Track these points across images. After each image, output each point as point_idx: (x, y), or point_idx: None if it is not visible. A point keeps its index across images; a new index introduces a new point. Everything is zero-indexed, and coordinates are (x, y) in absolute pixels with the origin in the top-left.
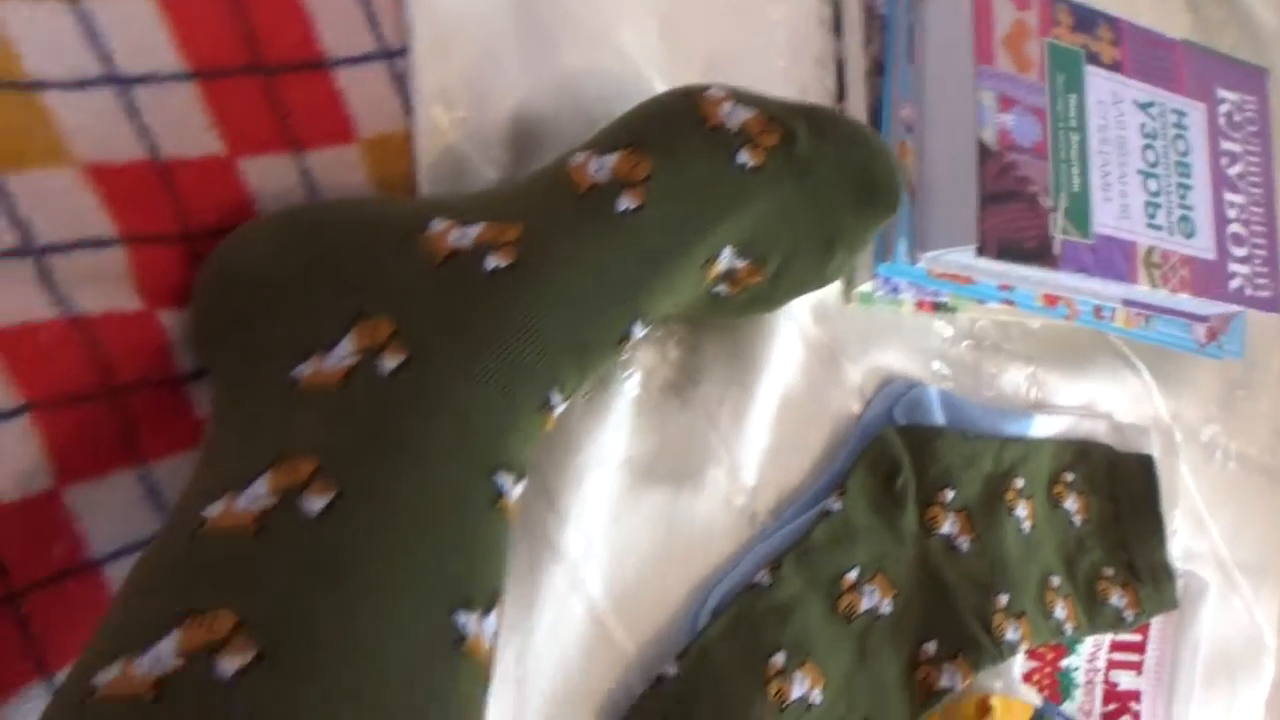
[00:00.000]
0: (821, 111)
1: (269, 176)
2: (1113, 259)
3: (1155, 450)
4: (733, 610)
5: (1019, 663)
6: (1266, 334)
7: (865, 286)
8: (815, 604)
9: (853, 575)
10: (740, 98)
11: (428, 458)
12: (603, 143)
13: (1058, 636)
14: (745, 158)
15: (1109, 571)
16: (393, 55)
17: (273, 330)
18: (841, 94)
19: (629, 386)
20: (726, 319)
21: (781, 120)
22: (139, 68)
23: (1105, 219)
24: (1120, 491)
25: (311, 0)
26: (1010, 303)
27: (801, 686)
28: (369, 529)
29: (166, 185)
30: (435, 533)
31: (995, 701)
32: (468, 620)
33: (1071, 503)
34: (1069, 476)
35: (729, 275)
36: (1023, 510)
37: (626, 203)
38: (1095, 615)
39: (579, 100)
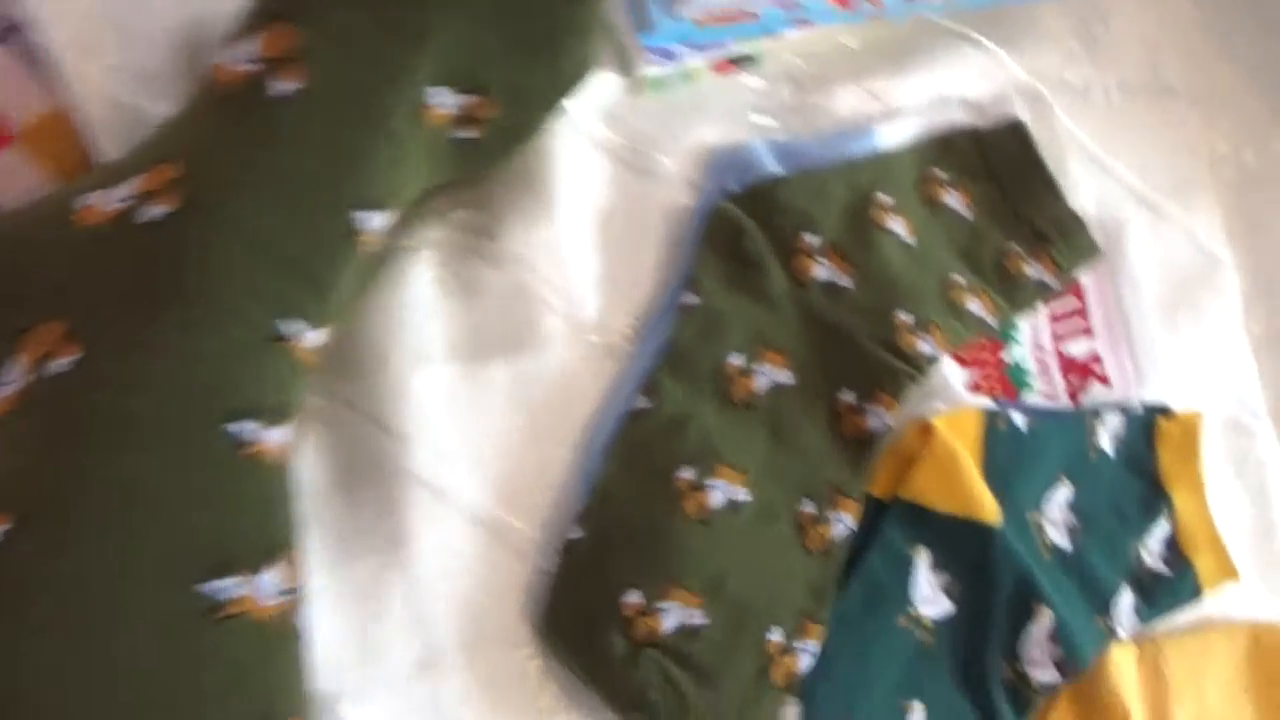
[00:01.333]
0: None
1: None
2: None
3: (1025, 114)
4: (620, 444)
5: (958, 376)
6: None
7: (648, 71)
8: (706, 405)
9: (736, 361)
10: None
11: (133, 445)
12: (244, 27)
13: (982, 331)
14: None
15: (1014, 248)
16: (11, 29)
17: None
18: None
19: (422, 269)
20: (489, 166)
21: None
22: None
23: None
24: (998, 166)
25: None
26: (805, 22)
27: (722, 492)
28: (67, 541)
29: None
30: (162, 509)
31: (937, 421)
32: (227, 584)
33: (952, 198)
34: (939, 173)
35: (463, 118)
36: (898, 225)
37: (284, 86)
38: (1015, 295)
39: None
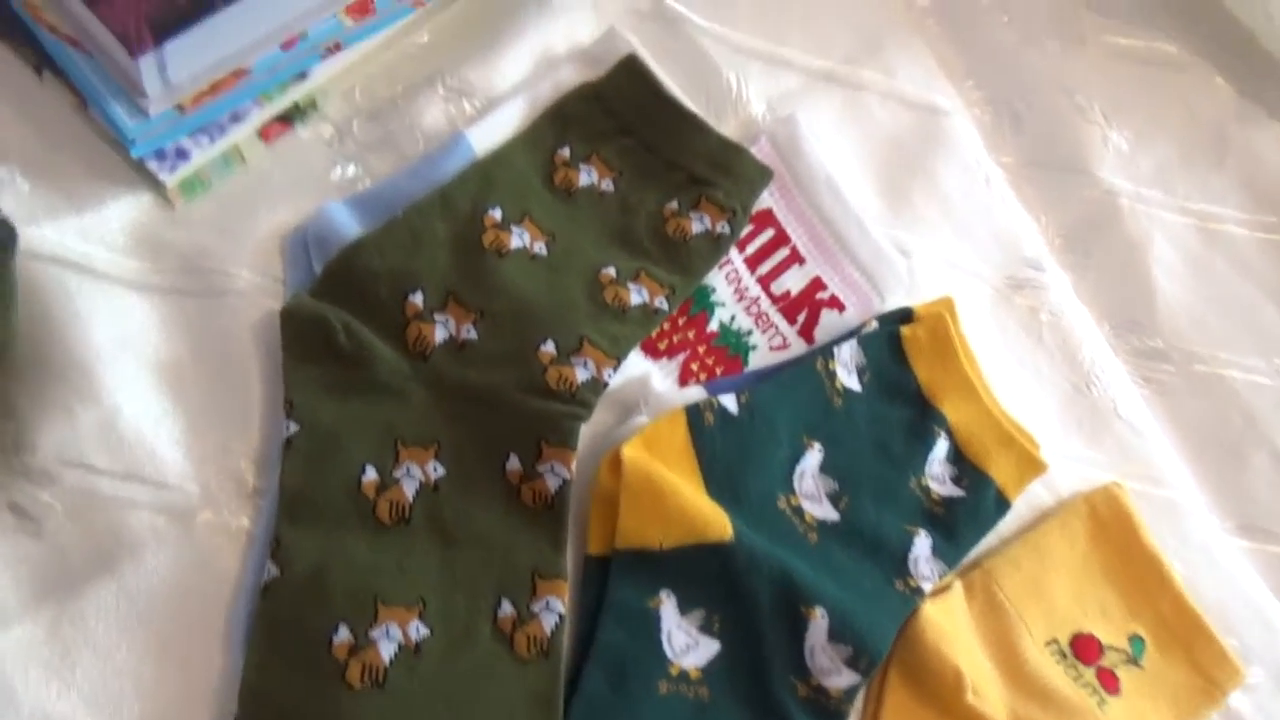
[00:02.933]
0: None
1: None
2: None
3: (654, 38)
4: (259, 628)
5: (657, 373)
6: None
7: (170, 178)
8: (350, 542)
9: (370, 476)
10: None
11: None
12: None
13: (649, 320)
14: None
15: (672, 206)
16: None
17: None
18: None
19: None
20: None
21: None
22: None
23: None
24: (626, 117)
25: None
26: (336, 46)
27: (391, 640)
28: None
29: None
30: None
31: (625, 450)
32: None
33: (587, 175)
34: (564, 153)
35: None
36: (518, 239)
37: None
38: (685, 259)
39: None
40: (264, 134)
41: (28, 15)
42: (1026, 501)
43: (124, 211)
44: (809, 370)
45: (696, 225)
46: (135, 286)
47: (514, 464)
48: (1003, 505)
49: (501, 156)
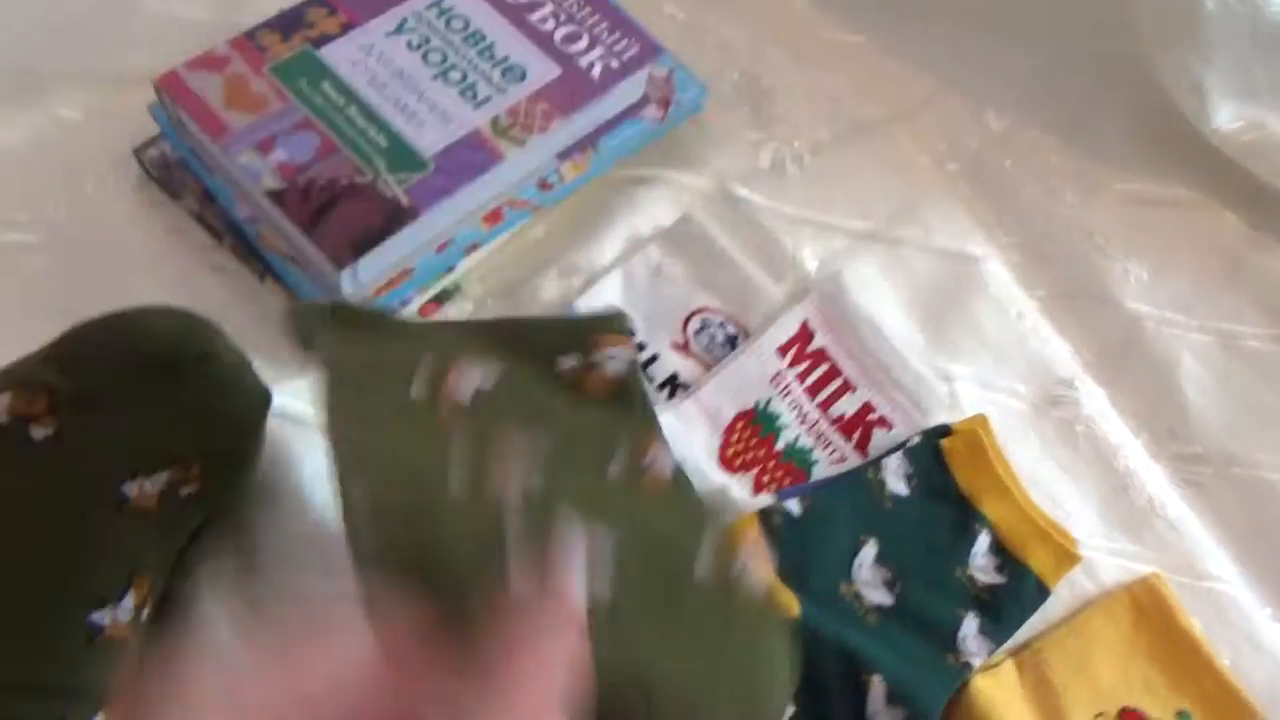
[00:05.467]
0: (80, 332)
1: None
2: (464, 160)
3: (703, 222)
4: None
5: (734, 485)
6: (712, 65)
7: None
8: None
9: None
10: None
11: None
12: None
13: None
14: (37, 433)
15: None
16: None
17: None
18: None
19: (212, 616)
20: (232, 495)
21: (39, 380)
22: None
23: (430, 140)
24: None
25: None
26: (476, 245)
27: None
28: None
29: None
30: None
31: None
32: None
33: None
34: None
35: (174, 484)
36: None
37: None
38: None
39: None
40: (422, 312)
41: (259, 241)
42: (1072, 591)
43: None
44: (863, 479)
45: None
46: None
47: (568, 363)
48: (1043, 592)
49: None
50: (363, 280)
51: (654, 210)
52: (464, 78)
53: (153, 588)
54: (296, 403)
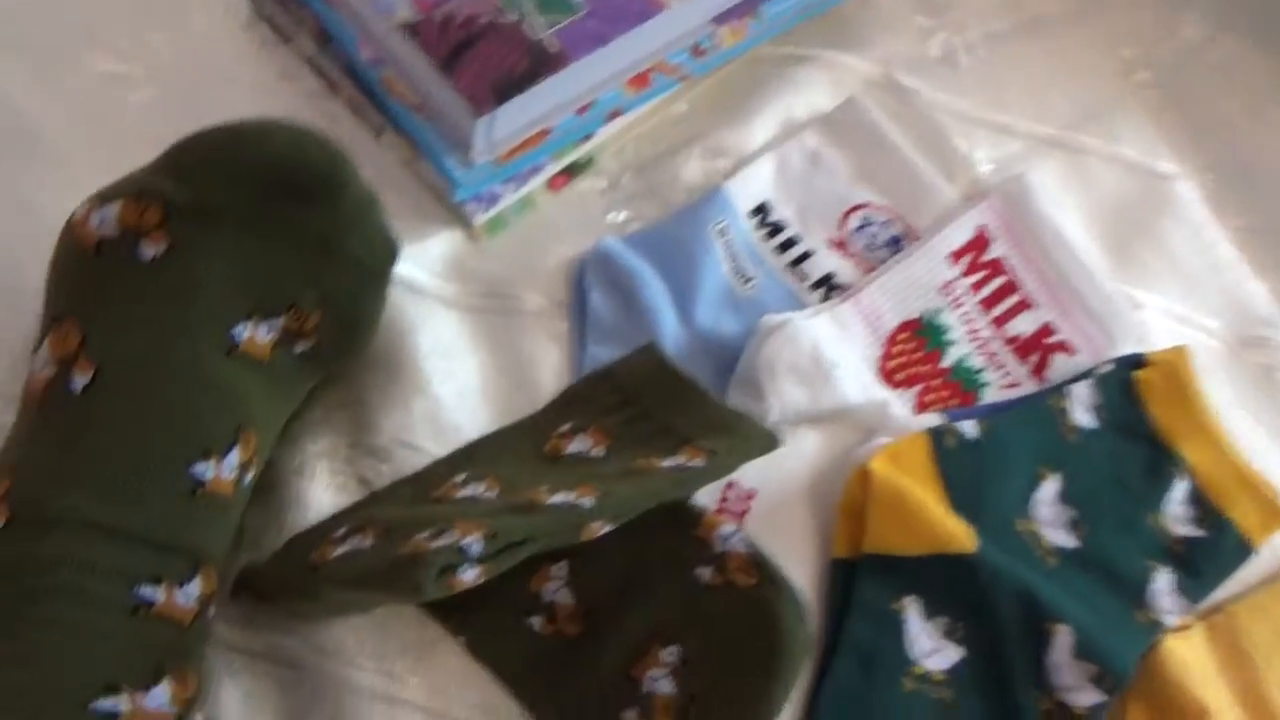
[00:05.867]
0: (198, 141)
1: None
2: (620, 5)
3: (882, 107)
4: None
5: (895, 403)
6: None
7: (479, 219)
8: None
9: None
10: (104, 195)
11: None
12: (39, 334)
13: (566, 515)
14: (150, 250)
15: (642, 460)
16: None
17: None
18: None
19: (320, 483)
20: (344, 360)
21: (153, 190)
22: None
23: None
24: (633, 391)
25: None
26: (618, 111)
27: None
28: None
29: None
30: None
31: (874, 465)
32: (205, 467)
33: (579, 443)
34: (563, 428)
35: (287, 336)
36: (471, 489)
37: (78, 380)
38: (637, 479)
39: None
40: (551, 184)
41: (382, 88)
42: (1274, 555)
43: (441, 244)
44: (1045, 406)
45: (667, 462)
46: (450, 305)
47: (705, 574)
48: (1244, 549)
49: (500, 431)
50: (498, 135)
51: (812, 93)
52: None
53: (259, 449)
54: (415, 269)
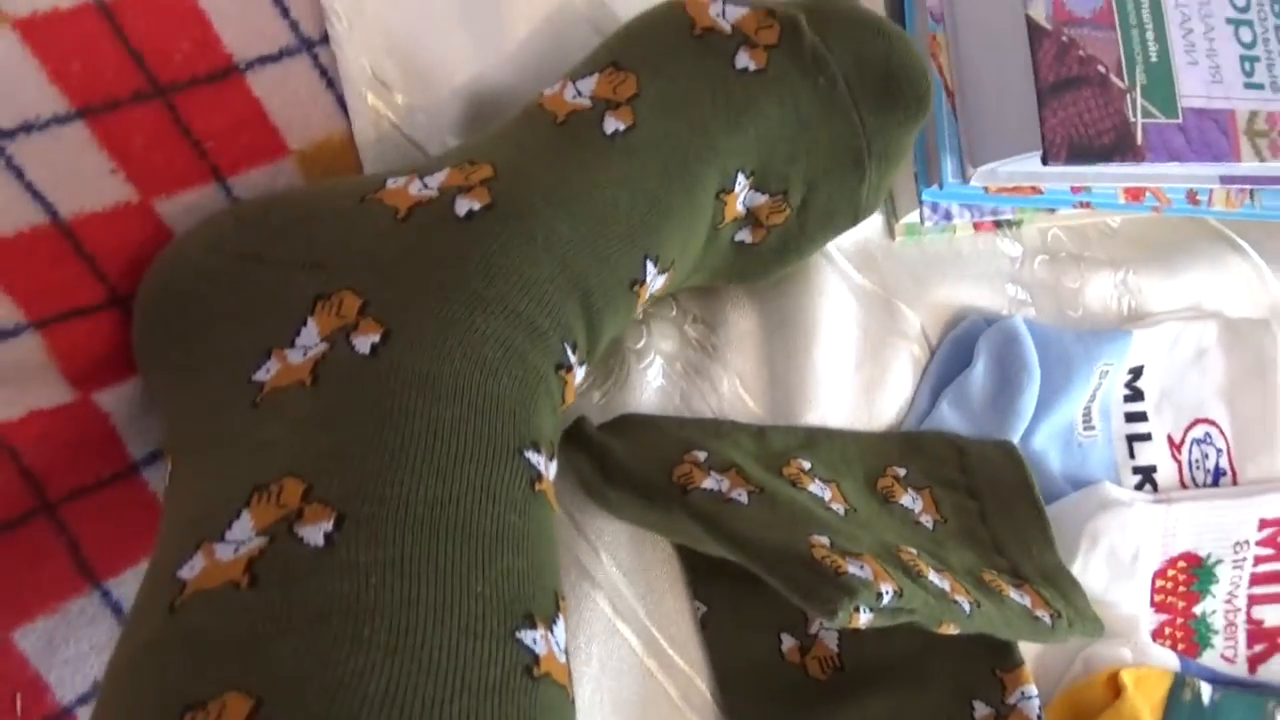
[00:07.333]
0: (826, 1)
1: (195, 214)
2: (1208, 136)
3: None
4: None
5: (1146, 621)
6: None
7: (911, 217)
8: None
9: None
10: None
11: (441, 459)
12: (579, 70)
13: (951, 605)
14: (745, 60)
15: (989, 574)
16: (314, 45)
17: (222, 334)
18: None
19: (650, 376)
20: (756, 275)
21: (780, 14)
22: (10, 118)
23: (1193, 89)
24: (980, 485)
25: None
26: (1086, 204)
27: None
28: (399, 564)
29: (74, 249)
30: (476, 543)
31: (1127, 677)
32: (535, 637)
33: (910, 499)
34: (899, 471)
35: (751, 217)
36: (819, 488)
37: (614, 124)
38: (996, 601)
39: (540, 64)
40: (977, 224)
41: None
42: None
43: (862, 230)
44: (1260, 706)
45: (1014, 594)
46: (849, 282)
47: (982, 711)
48: None
49: (840, 434)
50: (1004, 171)
51: (1233, 288)
52: (1251, 44)
53: (672, 279)
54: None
